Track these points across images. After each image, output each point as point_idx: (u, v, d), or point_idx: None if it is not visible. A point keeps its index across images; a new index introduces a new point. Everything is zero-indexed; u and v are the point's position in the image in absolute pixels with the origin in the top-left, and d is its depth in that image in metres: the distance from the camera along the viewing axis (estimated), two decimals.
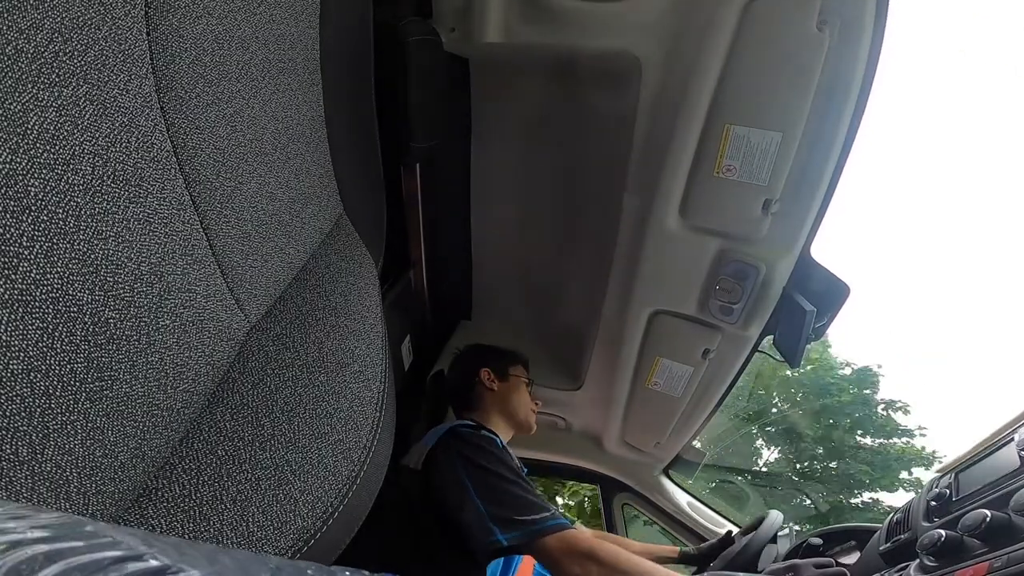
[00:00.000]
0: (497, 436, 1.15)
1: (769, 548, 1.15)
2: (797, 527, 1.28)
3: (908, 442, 6.47)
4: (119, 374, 0.47)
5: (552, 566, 0.95)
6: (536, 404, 1.37)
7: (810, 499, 6.38)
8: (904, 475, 6.25)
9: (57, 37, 0.40)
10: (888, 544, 0.90)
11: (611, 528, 1.84)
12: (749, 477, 6.62)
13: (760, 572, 1.05)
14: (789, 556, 1.16)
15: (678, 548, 1.42)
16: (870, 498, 6.20)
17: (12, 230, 0.37)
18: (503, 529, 0.94)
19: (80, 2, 0.41)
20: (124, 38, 0.47)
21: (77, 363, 0.42)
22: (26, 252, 0.38)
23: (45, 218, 0.39)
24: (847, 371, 6.84)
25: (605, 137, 1.27)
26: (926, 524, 0.82)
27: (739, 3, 0.96)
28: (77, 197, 0.42)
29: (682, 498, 1.73)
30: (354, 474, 0.67)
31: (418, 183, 1.36)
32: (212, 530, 0.53)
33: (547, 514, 0.96)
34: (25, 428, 0.38)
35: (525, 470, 1.23)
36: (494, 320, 1.76)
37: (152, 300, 0.51)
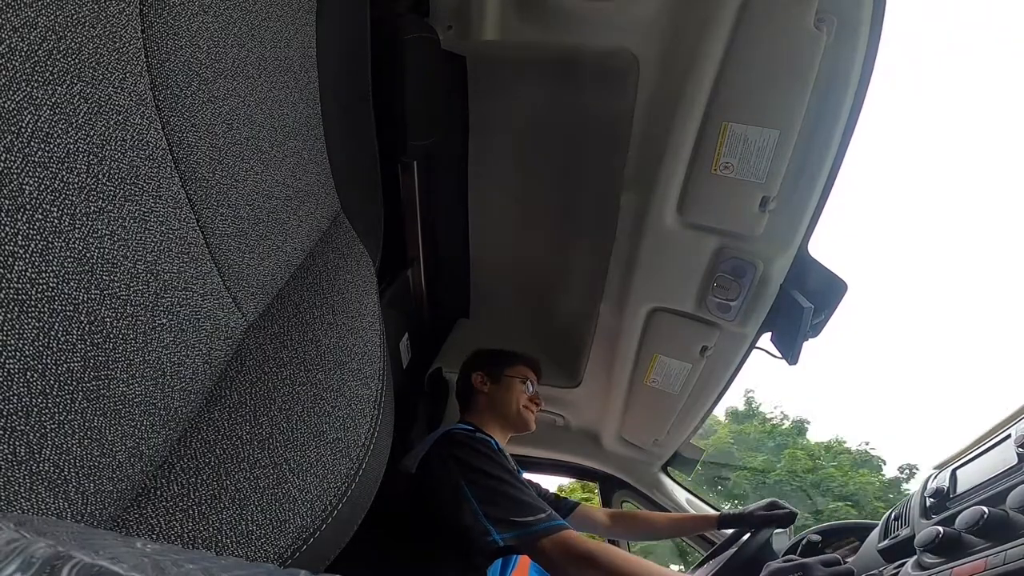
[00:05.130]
0: (492, 438, 1.16)
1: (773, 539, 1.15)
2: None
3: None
4: (116, 373, 0.47)
5: (549, 568, 0.94)
6: (537, 403, 1.36)
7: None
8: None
9: (51, 35, 0.39)
10: (886, 541, 0.90)
11: None
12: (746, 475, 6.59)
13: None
14: (787, 553, 1.16)
15: (717, 514, 1.35)
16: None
17: (7, 229, 0.37)
18: (500, 530, 0.94)
19: (74, 0, 0.41)
20: (118, 36, 0.46)
21: (74, 362, 0.42)
22: (21, 251, 0.38)
23: (40, 217, 0.39)
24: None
25: (602, 134, 1.27)
26: (924, 521, 0.82)
27: (736, 0, 0.95)
28: (72, 196, 0.42)
29: (680, 495, 1.73)
30: (353, 472, 0.67)
31: (415, 181, 1.35)
32: (211, 529, 0.53)
33: (543, 515, 0.96)
34: (23, 428, 0.38)
35: (521, 472, 1.23)
36: (492, 318, 1.76)
37: (148, 299, 0.50)
